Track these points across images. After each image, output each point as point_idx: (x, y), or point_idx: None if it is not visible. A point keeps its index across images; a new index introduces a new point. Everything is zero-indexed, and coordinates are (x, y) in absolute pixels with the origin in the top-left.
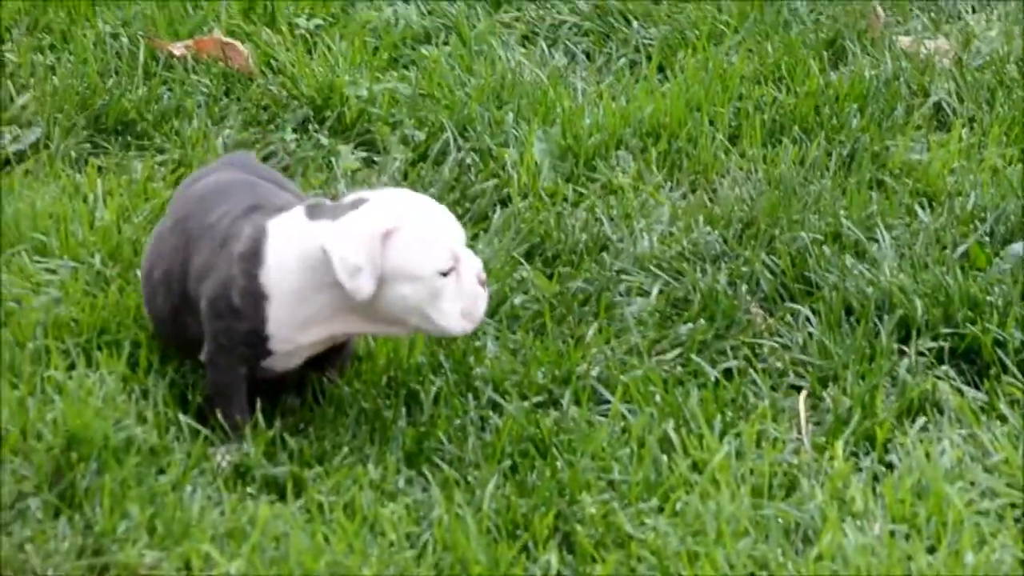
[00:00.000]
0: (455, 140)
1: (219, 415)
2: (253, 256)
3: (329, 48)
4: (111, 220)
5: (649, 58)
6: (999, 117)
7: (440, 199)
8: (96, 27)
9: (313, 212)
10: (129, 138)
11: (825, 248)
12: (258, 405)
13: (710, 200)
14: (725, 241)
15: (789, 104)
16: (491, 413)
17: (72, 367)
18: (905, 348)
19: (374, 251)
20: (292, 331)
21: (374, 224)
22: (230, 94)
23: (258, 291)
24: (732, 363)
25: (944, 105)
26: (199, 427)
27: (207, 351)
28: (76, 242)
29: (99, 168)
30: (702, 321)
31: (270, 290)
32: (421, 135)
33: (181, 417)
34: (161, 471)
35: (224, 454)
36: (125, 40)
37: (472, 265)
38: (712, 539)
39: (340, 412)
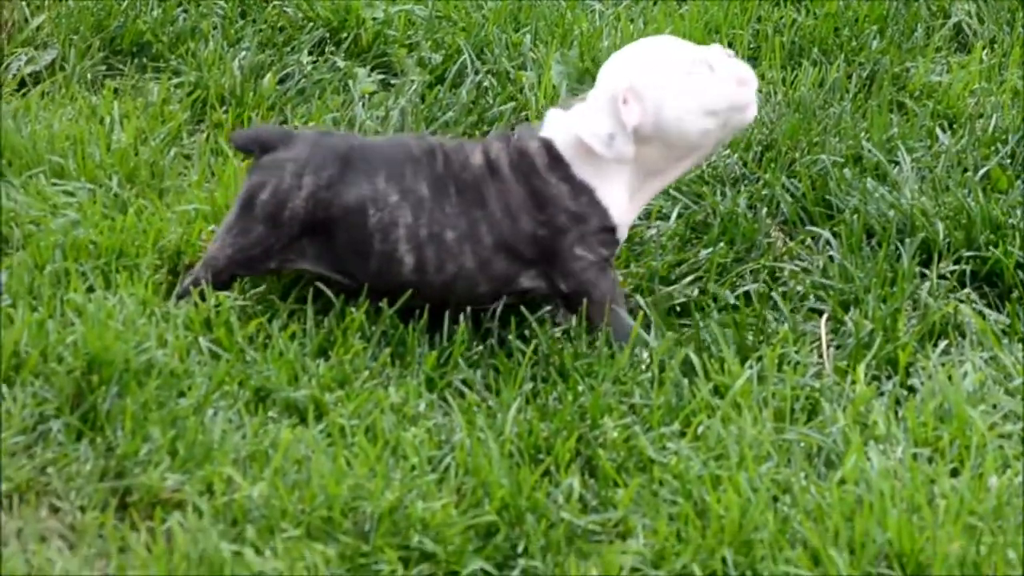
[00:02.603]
0: (472, 63)
1: (618, 327)
2: (557, 162)
3: None
4: (128, 143)
5: None
6: (1020, 38)
7: (458, 122)
8: None
9: (565, 106)
10: (145, 60)
11: (846, 171)
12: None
13: None
14: (745, 164)
15: (808, 26)
16: (513, 338)
17: (91, 290)
18: (926, 271)
19: (617, 113)
20: (624, 211)
21: (609, 89)
22: (246, 16)
23: (583, 185)
24: (752, 287)
25: (964, 26)
26: (220, 351)
27: (571, 280)
28: (93, 164)
29: (115, 90)
30: (722, 245)
31: (590, 180)
32: (438, 58)
33: (202, 340)
34: (182, 394)
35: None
36: None
37: (713, 49)
38: (734, 463)
39: (361, 336)
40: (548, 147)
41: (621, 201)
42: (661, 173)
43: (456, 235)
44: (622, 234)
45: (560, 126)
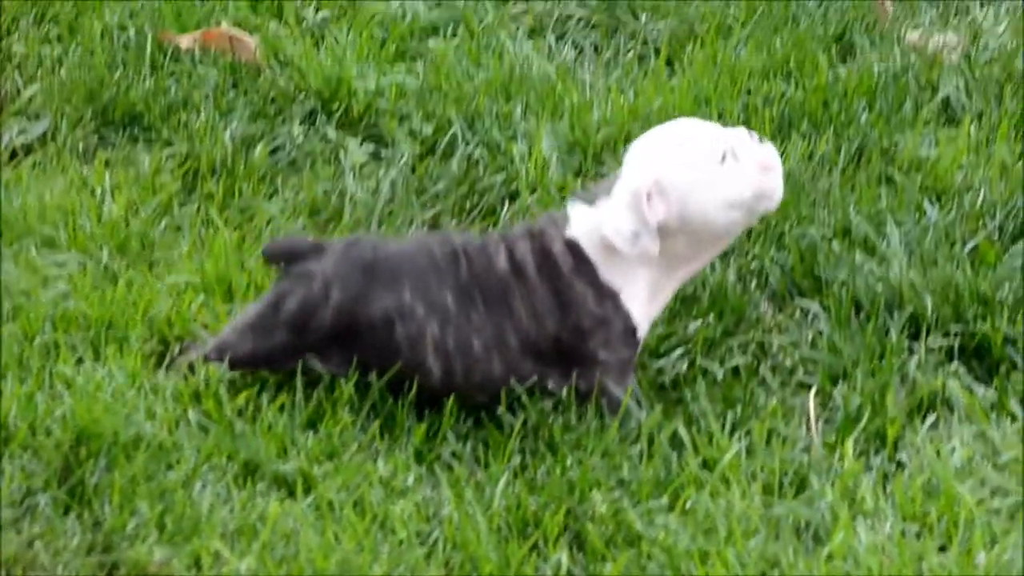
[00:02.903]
0: (463, 134)
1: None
2: (583, 264)
3: (336, 41)
4: (119, 214)
5: (657, 52)
6: (1008, 112)
7: (448, 193)
8: (103, 18)
9: (589, 199)
10: (136, 131)
11: (834, 244)
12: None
13: None
14: None
15: (798, 99)
16: (502, 411)
17: (80, 362)
18: (915, 345)
19: (641, 211)
20: (647, 310)
21: (634, 185)
22: (237, 87)
23: (609, 290)
24: (741, 360)
25: (953, 100)
26: (208, 423)
27: (591, 382)
28: (84, 235)
29: (106, 161)
30: (711, 317)
31: (615, 283)
32: (429, 129)
33: (190, 413)
34: (170, 467)
35: None
36: (132, 32)
37: (734, 133)
38: (723, 538)
39: (350, 409)
40: (574, 249)
41: (644, 301)
42: (687, 264)
43: (483, 342)
44: (643, 333)
45: (586, 225)
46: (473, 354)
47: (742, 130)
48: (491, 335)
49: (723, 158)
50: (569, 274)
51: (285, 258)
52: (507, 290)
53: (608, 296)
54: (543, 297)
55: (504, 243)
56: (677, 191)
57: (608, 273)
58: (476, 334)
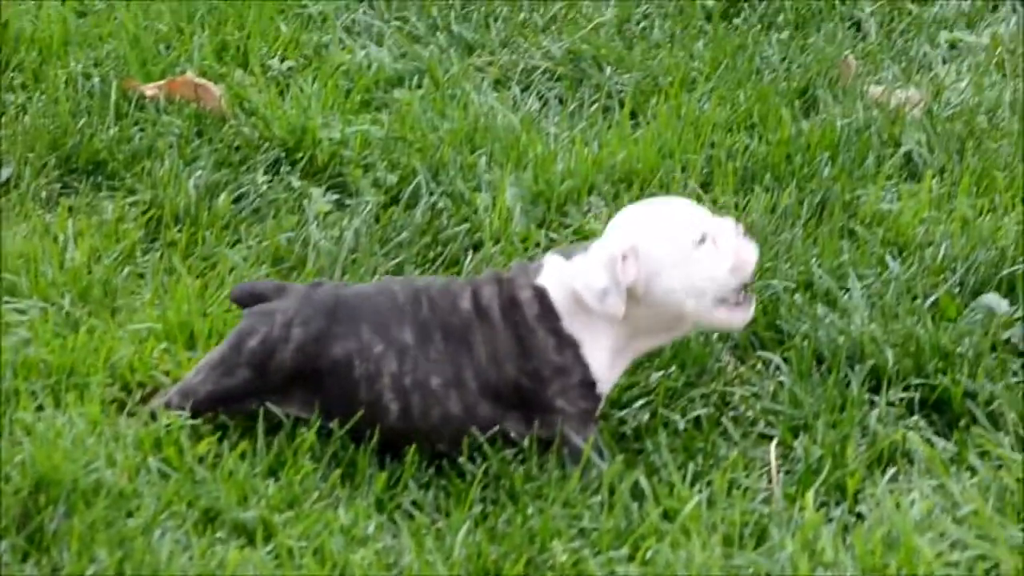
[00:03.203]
0: (427, 184)
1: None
2: (549, 312)
3: (301, 90)
4: (81, 261)
5: (621, 104)
6: (969, 168)
7: (411, 243)
8: (68, 66)
9: (566, 254)
10: (100, 178)
11: (797, 296)
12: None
13: None
14: None
15: (761, 152)
16: (464, 459)
17: (41, 408)
18: (875, 398)
19: (615, 271)
20: (607, 369)
21: (611, 247)
22: (202, 135)
23: (570, 339)
24: (703, 411)
25: (915, 155)
26: (169, 471)
27: (551, 430)
28: (46, 283)
29: (70, 208)
30: (673, 369)
31: (578, 335)
32: (393, 178)
33: (151, 460)
34: (130, 514)
35: None
36: (97, 80)
37: (723, 224)
38: None
39: (312, 456)
40: (541, 296)
41: (605, 358)
42: (648, 336)
43: (441, 381)
44: (604, 389)
45: (557, 276)
46: (431, 391)
47: (730, 221)
48: (450, 373)
49: (702, 240)
50: (533, 320)
51: (250, 300)
52: (469, 331)
53: (569, 345)
54: (505, 340)
55: (470, 286)
56: (651, 260)
57: (572, 325)
58: (434, 372)
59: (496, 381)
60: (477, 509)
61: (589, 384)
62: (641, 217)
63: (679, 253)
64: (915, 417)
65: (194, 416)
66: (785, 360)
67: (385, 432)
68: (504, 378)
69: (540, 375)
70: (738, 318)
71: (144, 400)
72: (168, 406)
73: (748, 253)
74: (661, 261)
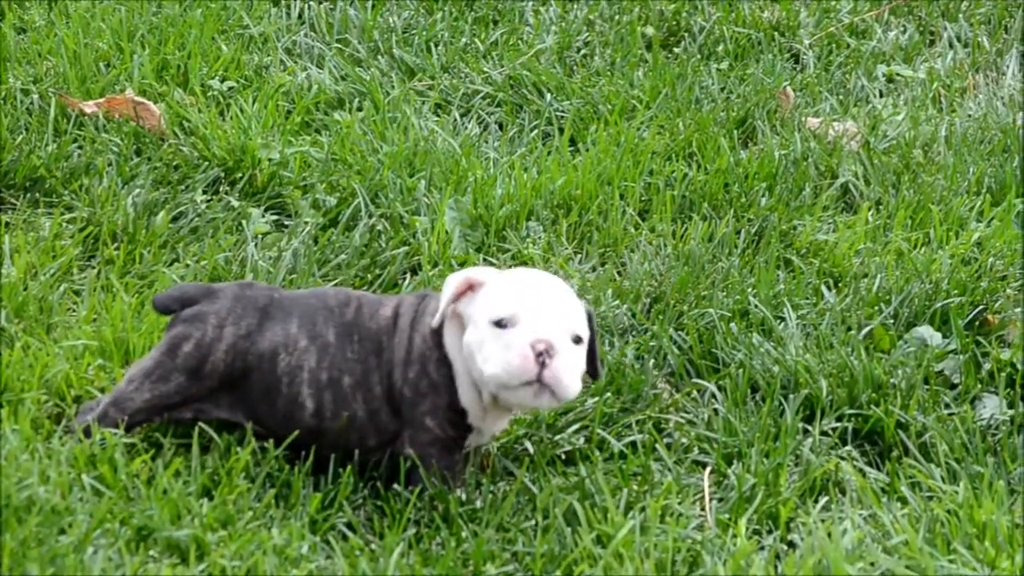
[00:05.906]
0: (366, 206)
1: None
2: (439, 329)
3: (242, 110)
4: (18, 277)
5: (561, 130)
6: (905, 201)
7: (350, 264)
8: (6, 83)
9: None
10: (38, 195)
11: (732, 325)
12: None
13: (619, 274)
14: (633, 315)
15: (699, 181)
16: (397, 484)
17: None
18: (809, 427)
19: (449, 293)
20: (477, 405)
21: (464, 274)
22: (141, 153)
23: (446, 358)
24: (638, 437)
25: (851, 187)
26: (103, 488)
27: (416, 447)
28: None
29: (6, 224)
30: (609, 394)
31: (452, 356)
32: (332, 200)
33: (85, 477)
34: (63, 531)
35: None
36: (36, 96)
37: (533, 330)
38: None
39: (246, 476)
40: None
41: (474, 395)
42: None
43: (352, 381)
44: (475, 423)
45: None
46: (342, 391)
47: (564, 331)
48: (360, 376)
49: (500, 323)
50: (427, 333)
51: (177, 305)
52: (382, 337)
53: (444, 365)
54: (401, 347)
55: (398, 299)
56: (469, 305)
57: (452, 346)
58: (348, 371)
59: (394, 391)
60: (411, 531)
61: (458, 411)
62: (496, 272)
63: (477, 320)
64: (848, 447)
65: (129, 428)
66: (720, 388)
67: (302, 433)
68: (395, 387)
69: (418, 388)
70: (529, 401)
71: (78, 414)
72: (103, 419)
73: (529, 364)
74: (468, 317)
